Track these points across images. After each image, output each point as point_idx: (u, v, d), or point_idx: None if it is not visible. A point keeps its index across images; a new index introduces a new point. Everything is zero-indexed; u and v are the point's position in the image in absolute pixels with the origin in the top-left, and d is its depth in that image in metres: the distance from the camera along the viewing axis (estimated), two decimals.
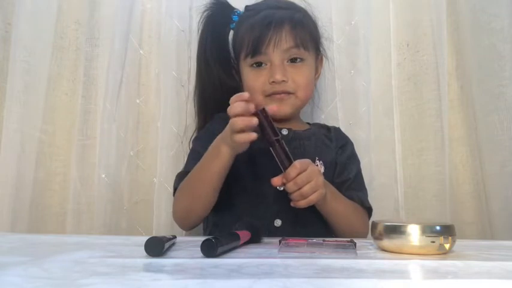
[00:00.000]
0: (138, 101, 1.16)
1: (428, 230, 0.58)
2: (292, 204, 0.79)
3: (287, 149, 0.77)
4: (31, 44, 1.07)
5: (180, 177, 0.91)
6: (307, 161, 0.79)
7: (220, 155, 0.81)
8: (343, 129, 1.08)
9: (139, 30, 1.16)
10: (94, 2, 1.15)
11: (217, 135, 0.91)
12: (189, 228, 0.93)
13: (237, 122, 0.75)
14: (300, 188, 0.76)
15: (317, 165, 0.91)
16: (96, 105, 1.13)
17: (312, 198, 0.77)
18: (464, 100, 1.13)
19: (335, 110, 1.12)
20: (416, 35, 1.16)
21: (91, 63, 1.15)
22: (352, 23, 1.14)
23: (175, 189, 0.91)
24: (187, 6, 1.13)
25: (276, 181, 0.78)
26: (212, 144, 0.83)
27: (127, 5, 1.14)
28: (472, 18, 1.07)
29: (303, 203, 0.77)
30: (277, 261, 0.52)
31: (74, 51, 1.16)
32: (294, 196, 0.78)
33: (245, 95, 0.77)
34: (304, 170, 0.77)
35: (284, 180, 0.77)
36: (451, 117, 1.12)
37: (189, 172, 0.88)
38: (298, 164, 0.76)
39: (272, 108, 0.77)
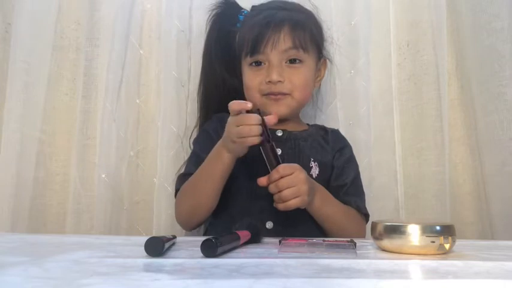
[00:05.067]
0: (138, 101, 1.16)
1: (428, 230, 0.58)
2: (274, 205, 0.79)
3: (276, 151, 0.79)
4: (31, 44, 1.07)
5: (181, 179, 0.92)
6: (294, 166, 0.79)
7: (221, 160, 0.83)
8: (343, 130, 1.08)
9: (139, 30, 1.17)
10: (94, 2, 1.15)
11: (213, 135, 0.92)
12: (191, 228, 0.94)
13: (243, 130, 0.77)
14: (280, 191, 0.77)
15: (311, 166, 0.91)
16: (96, 105, 1.13)
17: (291, 204, 0.77)
18: (464, 100, 1.13)
19: (335, 110, 1.12)
20: (416, 35, 1.16)
21: (91, 63, 1.15)
22: (352, 23, 1.14)
23: (176, 190, 0.92)
24: (187, 6, 1.13)
25: (261, 181, 0.79)
26: (213, 148, 0.85)
27: (127, 5, 1.14)
28: (472, 18, 1.07)
29: (280, 206, 0.78)
30: (277, 261, 0.52)
31: (74, 51, 1.16)
32: (274, 198, 0.79)
33: (248, 105, 0.78)
34: (288, 175, 0.77)
35: (268, 181, 0.78)
36: (451, 117, 1.12)
37: (189, 174, 0.90)
38: (281, 168, 0.77)
39: (269, 119, 0.80)
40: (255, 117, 0.77)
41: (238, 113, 0.78)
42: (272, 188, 0.78)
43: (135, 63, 1.15)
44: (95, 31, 1.15)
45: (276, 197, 0.78)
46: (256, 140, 0.77)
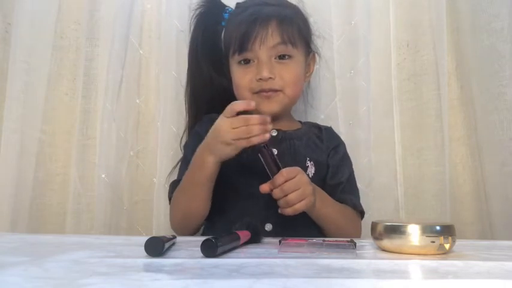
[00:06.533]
0: (138, 101, 1.16)
1: (428, 230, 0.58)
2: (279, 211, 0.79)
3: (275, 155, 0.78)
4: (31, 44, 1.07)
5: (174, 186, 0.91)
6: (296, 169, 0.79)
7: (204, 166, 0.81)
8: (343, 129, 1.07)
9: (139, 30, 1.17)
10: (94, 2, 1.15)
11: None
12: (188, 235, 0.93)
13: (242, 131, 0.76)
14: (286, 195, 0.76)
15: (307, 166, 0.91)
16: (96, 105, 1.13)
17: (298, 207, 0.77)
18: (464, 100, 1.13)
19: (335, 110, 1.12)
20: (416, 35, 1.16)
21: (91, 63, 1.15)
22: (352, 23, 1.14)
23: (170, 198, 0.91)
24: (187, 6, 1.13)
25: (264, 187, 0.78)
26: (195, 153, 0.83)
27: (127, 5, 1.14)
28: (472, 18, 1.07)
29: (289, 211, 0.77)
30: (277, 261, 0.52)
31: (74, 51, 1.16)
32: (280, 203, 0.78)
33: (252, 104, 0.77)
34: (292, 178, 0.77)
35: (271, 187, 0.77)
36: (451, 117, 1.12)
37: (181, 180, 0.88)
38: (285, 172, 0.77)
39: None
40: (256, 117, 0.76)
41: (236, 114, 0.77)
42: (277, 193, 0.77)
43: (135, 63, 1.15)
44: (95, 31, 1.15)
45: (281, 202, 0.77)
46: (256, 140, 0.76)
